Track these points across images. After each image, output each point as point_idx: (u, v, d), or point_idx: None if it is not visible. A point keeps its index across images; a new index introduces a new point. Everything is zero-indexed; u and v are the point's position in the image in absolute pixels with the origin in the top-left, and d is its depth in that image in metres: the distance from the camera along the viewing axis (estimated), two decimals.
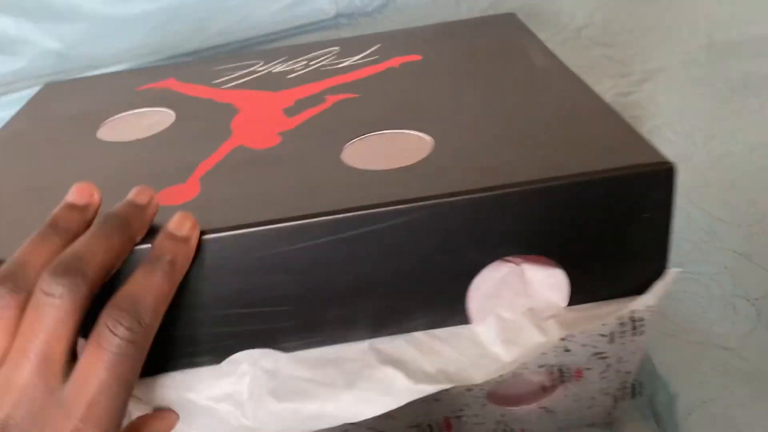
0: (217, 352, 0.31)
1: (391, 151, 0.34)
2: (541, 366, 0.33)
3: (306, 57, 0.50)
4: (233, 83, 0.47)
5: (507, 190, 0.29)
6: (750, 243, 0.46)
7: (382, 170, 0.32)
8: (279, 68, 0.48)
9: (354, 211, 0.29)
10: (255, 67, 0.49)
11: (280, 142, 0.37)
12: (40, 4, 0.83)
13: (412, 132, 0.36)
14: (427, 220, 0.29)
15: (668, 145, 0.54)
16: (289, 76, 0.47)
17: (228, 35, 0.85)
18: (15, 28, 0.85)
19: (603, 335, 0.32)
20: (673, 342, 0.40)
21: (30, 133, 0.44)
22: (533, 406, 0.36)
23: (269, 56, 0.51)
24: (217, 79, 0.48)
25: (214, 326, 0.31)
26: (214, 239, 0.29)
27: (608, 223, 0.30)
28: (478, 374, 0.30)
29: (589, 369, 0.34)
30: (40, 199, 0.33)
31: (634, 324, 0.32)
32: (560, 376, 0.34)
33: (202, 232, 0.29)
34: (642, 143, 0.31)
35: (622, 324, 0.32)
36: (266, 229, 0.29)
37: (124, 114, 0.44)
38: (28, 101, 0.50)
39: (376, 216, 0.29)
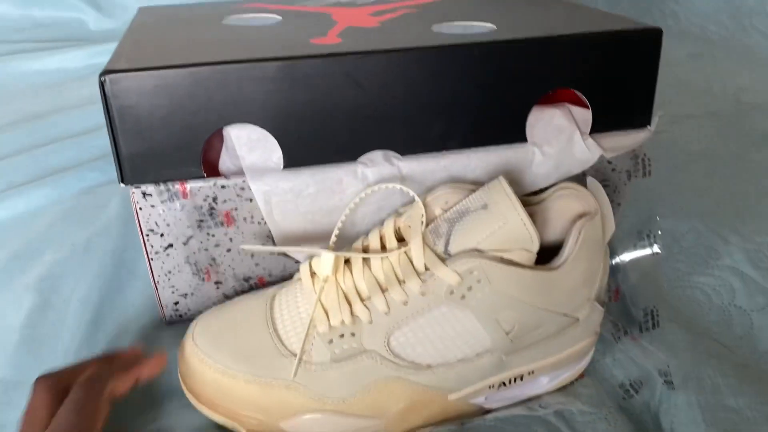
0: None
1: (469, 28, 0.49)
2: None
3: None
4: (313, 4, 0.59)
5: (556, 37, 0.45)
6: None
7: (465, 34, 0.46)
8: (344, 0, 0.61)
9: (453, 45, 0.43)
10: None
11: (380, 25, 0.50)
12: None
13: (477, 22, 0.50)
14: (501, 57, 0.44)
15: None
16: (357, 2, 0.59)
17: None
18: None
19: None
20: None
21: (160, 23, 0.53)
22: None
23: None
24: (296, 4, 0.60)
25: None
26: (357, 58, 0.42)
27: (620, 68, 0.46)
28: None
29: None
30: (203, 51, 0.44)
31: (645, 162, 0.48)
32: None
33: (353, 54, 0.42)
34: (641, 23, 0.47)
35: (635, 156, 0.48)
36: (397, 55, 0.42)
37: (236, 15, 0.55)
38: (136, 16, 0.58)
39: (470, 47, 0.43)
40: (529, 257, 0.38)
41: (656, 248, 0.51)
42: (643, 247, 0.51)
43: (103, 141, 0.43)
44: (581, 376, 0.46)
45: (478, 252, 0.38)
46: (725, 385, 0.42)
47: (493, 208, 0.38)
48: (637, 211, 0.52)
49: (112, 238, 0.57)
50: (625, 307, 0.50)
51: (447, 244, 0.39)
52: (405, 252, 0.40)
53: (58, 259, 0.55)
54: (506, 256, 0.38)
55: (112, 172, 0.43)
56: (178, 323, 0.50)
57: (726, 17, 1.01)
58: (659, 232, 0.51)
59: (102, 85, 0.39)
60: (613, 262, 0.51)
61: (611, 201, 0.44)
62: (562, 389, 0.45)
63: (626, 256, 0.51)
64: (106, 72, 0.39)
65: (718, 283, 0.53)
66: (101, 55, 0.89)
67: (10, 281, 0.53)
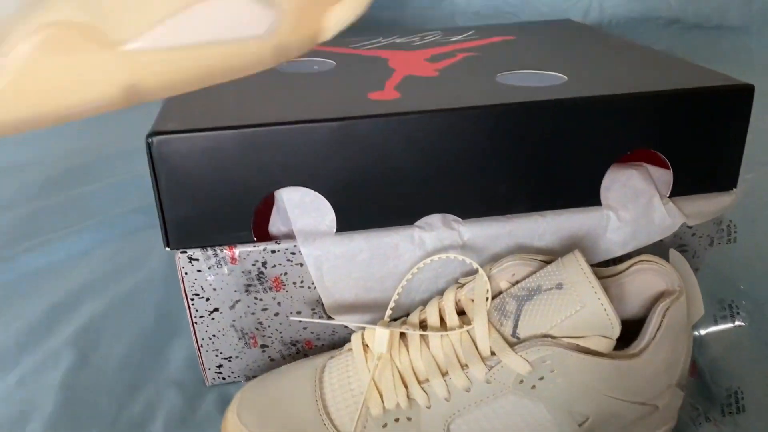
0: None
1: (537, 78, 0.45)
2: None
3: (417, 35, 0.60)
4: (367, 47, 0.56)
5: (637, 95, 0.40)
6: None
7: (534, 86, 0.43)
8: (399, 41, 0.58)
9: (521, 103, 0.39)
10: (378, 40, 0.59)
11: (439, 74, 0.47)
12: None
13: (546, 72, 0.46)
14: (574, 114, 0.40)
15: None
16: (412, 44, 0.56)
17: None
18: None
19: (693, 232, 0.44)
20: None
21: None
22: None
23: (385, 34, 0.61)
24: (350, 46, 0.57)
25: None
26: (419, 118, 0.39)
27: (705, 127, 0.42)
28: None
29: None
30: (255, 108, 0.42)
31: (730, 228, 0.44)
32: None
33: (413, 113, 0.39)
34: (731, 78, 0.43)
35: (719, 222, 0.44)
36: (460, 113, 0.39)
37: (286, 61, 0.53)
38: None
39: (539, 105, 0.40)
40: (607, 344, 0.34)
41: (739, 319, 0.47)
42: (724, 317, 0.47)
43: (149, 182, 0.40)
44: None
45: (552, 338, 0.34)
46: None
47: (569, 289, 0.35)
48: (716, 277, 0.48)
49: (155, 289, 0.55)
50: (703, 385, 0.45)
51: (515, 326, 0.35)
52: (468, 331, 0.37)
53: (98, 311, 0.53)
54: (582, 343, 0.34)
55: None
56: (221, 385, 0.47)
57: None
58: (743, 302, 0.47)
59: (149, 146, 0.37)
60: None
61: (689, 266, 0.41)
62: None
63: (705, 328, 0.47)
64: (154, 133, 0.37)
65: None
66: None
67: (49, 334, 0.52)
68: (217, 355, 0.45)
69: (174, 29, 0.28)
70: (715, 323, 0.47)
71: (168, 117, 0.39)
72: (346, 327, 0.45)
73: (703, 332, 0.46)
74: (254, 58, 0.29)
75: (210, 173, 0.38)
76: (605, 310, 0.34)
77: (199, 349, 0.44)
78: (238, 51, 0.29)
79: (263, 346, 0.45)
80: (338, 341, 0.45)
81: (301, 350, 0.46)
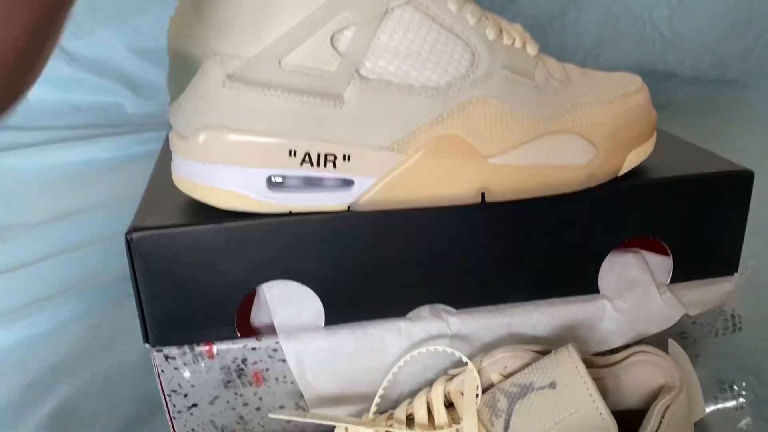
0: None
1: None
2: None
3: None
4: None
5: (634, 183, 0.39)
6: None
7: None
8: None
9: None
10: None
11: None
12: None
13: None
14: (570, 202, 0.38)
15: None
16: None
17: None
18: (155, 76, 0.92)
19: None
20: None
21: None
22: None
23: None
24: None
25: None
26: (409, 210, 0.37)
27: (704, 214, 0.40)
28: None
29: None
30: None
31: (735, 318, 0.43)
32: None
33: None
34: (730, 163, 0.42)
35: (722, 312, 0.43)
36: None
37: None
38: (164, 146, 0.52)
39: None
40: None
41: (741, 400, 0.45)
42: (725, 399, 0.45)
43: None
44: None
45: None
46: None
47: (563, 390, 0.33)
48: (717, 355, 0.46)
49: (135, 367, 0.53)
50: None
51: (507, 426, 0.33)
52: (457, 430, 0.35)
53: (75, 391, 0.51)
54: None
55: None
56: None
57: None
58: (743, 383, 0.45)
59: (128, 243, 0.35)
60: None
61: (689, 353, 0.39)
62: None
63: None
64: (133, 230, 0.35)
65: None
66: (135, 145, 0.88)
67: (22, 417, 0.49)
68: None
69: (525, 152, 0.36)
70: (715, 403, 0.45)
71: (148, 212, 0.38)
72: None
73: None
74: (571, 181, 0.38)
75: (193, 269, 0.36)
76: (601, 414, 0.32)
77: None
78: (562, 174, 0.37)
79: None
80: None
81: None
